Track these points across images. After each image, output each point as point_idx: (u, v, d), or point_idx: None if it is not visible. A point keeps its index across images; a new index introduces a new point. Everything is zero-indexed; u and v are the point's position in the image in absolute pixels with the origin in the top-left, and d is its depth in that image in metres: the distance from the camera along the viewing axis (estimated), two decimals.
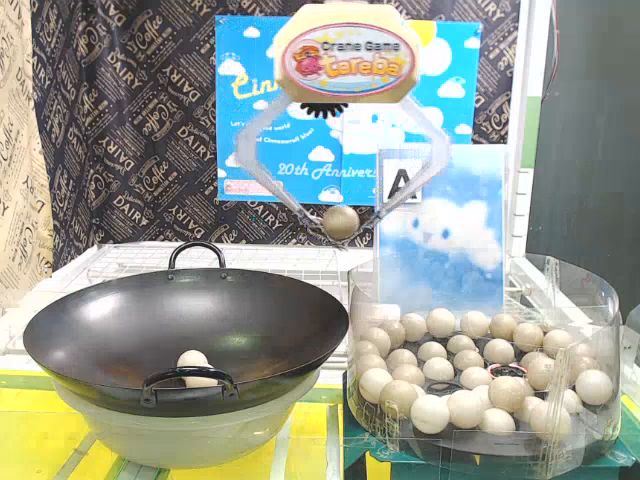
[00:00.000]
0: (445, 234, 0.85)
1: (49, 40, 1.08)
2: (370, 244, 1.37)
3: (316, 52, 0.56)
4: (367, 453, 0.54)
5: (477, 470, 0.52)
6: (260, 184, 0.64)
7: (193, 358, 0.64)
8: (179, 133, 1.30)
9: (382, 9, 0.56)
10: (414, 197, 0.85)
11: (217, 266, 0.76)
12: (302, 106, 0.61)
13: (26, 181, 0.99)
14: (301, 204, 1.45)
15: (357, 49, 0.56)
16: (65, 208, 1.16)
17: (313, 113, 0.62)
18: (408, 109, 0.61)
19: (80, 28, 1.22)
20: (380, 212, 0.67)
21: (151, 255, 1.29)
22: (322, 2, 0.57)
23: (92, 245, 1.34)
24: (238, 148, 0.61)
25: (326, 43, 0.56)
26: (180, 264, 0.76)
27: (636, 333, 0.71)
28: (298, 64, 0.56)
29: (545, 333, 0.69)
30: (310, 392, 0.58)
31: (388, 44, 0.56)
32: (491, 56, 1.25)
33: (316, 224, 0.67)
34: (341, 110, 0.62)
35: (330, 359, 0.58)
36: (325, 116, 0.62)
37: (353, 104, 0.60)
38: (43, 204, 1.07)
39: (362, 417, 0.59)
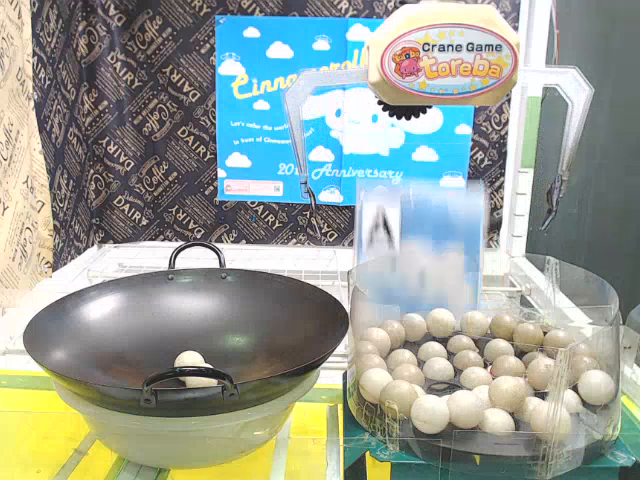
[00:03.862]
0: (421, 279, 0.81)
1: (49, 40, 1.08)
2: None
3: (416, 53, 0.55)
4: (367, 453, 0.54)
5: (477, 470, 0.52)
6: (290, 131, 0.62)
7: (190, 358, 0.64)
8: (179, 133, 1.30)
9: (483, 9, 0.55)
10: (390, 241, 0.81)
11: (217, 266, 0.76)
12: (384, 108, 0.60)
13: (26, 181, 0.99)
14: (301, 204, 1.45)
15: (458, 50, 0.55)
16: (65, 208, 1.16)
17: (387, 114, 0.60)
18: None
19: (80, 28, 1.22)
20: (553, 208, 0.65)
21: (151, 255, 1.29)
22: (410, 3, 0.56)
23: (92, 245, 1.34)
24: (294, 85, 0.59)
25: (427, 44, 0.55)
26: (180, 264, 0.76)
27: (636, 333, 0.71)
28: (397, 66, 0.55)
29: (545, 333, 0.69)
30: (310, 392, 0.58)
31: (490, 45, 0.55)
32: None
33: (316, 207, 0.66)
34: (425, 112, 0.60)
35: (330, 359, 0.58)
36: (408, 118, 0.61)
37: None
38: (43, 204, 1.07)
39: (362, 417, 0.59)
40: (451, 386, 0.62)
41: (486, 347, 0.67)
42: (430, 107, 0.60)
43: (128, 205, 1.34)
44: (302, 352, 0.61)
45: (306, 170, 0.65)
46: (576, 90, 0.60)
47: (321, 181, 1.32)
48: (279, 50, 1.25)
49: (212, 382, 0.50)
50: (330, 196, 1.33)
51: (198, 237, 1.37)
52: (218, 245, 0.79)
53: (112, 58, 1.25)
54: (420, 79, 0.56)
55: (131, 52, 1.26)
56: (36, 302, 0.91)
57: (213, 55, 1.26)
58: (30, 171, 1.01)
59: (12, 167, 0.95)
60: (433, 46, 0.55)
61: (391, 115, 0.61)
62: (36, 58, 1.03)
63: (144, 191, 1.34)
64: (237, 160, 1.32)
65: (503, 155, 1.32)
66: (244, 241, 1.37)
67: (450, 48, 0.55)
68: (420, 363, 0.65)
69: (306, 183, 0.65)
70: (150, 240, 1.38)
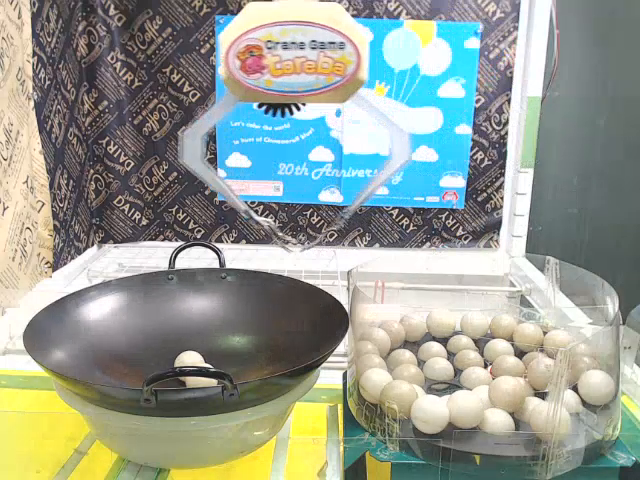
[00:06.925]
0: None
1: (49, 40, 1.08)
2: (370, 244, 1.37)
3: (260, 51, 0.55)
4: (367, 453, 0.54)
5: (477, 470, 0.52)
6: (206, 183, 0.64)
7: (190, 358, 0.64)
8: (179, 133, 1.30)
9: (328, 7, 0.55)
10: None
11: (217, 266, 0.76)
12: (259, 105, 0.61)
13: (26, 181, 0.99)
14: (301, 204, 1.44)
15: (301, 48, 0.55)
16: (65, 208, 1.16)
17: (267, 111, 0.61)
18: (363, 106, 0.59)
19: (80, 28, 1.22)
20: (345, 213, 0.67)
21: (151, 255, 1.29)
22: None
23: (92, 245, 1.34)
24: (183, 147, 0.61)
25: (270, 42, 0.55)
26: (180, 264, 0.76)
27: (636, 333, 0.71)
28: (242, 63, 0.55)
29: (545, 333, 0.69)
30: (310, 392, 0.58)
31: (333, 43, 0.55)
32: (491, 56, 1.25)
33: (262, 225, 0.66)
34: (298, 108, 0.60)
35: (330, 359, 0.58)
36: (283, 114, 0.61)
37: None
38: (43, 204, 1.07)
39: (362, 417, 0.59)
40: (451, 386, 0.62)
41: (486, 347, 0.67)
42: (304, 104, 0.60)
43: (128, 205, 1.34)
44: (302, 352, 0.61)
45: (243, 204, 0.66)
46: (402, 151, 0.61)
47: (321, 181, 1.32)
48: None
49: (212, 382, 0.50)
50: (330, 196, 1.33)
51: (198, 237, 1.37)
52: (218, 245, 0.79)
53: (112, 58, 1.25)
54: (265, 77, 0.56)
55: (131, 52, 1.25)
56: (36, 302, 0.91)
57: (213, 55, 1.26)
58: (30, 171, 1.01)
59: (12, 167, 0.95)
60: (277, 44, 0.55)
61: (266, 112, 0.61)
62: (36, 58, 1.03)
63: (144, 191, 1.34)
64: (237, 160, 1.32)
65: (503, 155, 1.31)
66: (244, 241, 1.37)
67: (293, 46, 0.55)
68: (420, 363, 0.65)
69: (246, 212, 0.66)
70: (150, 240, 1.38)
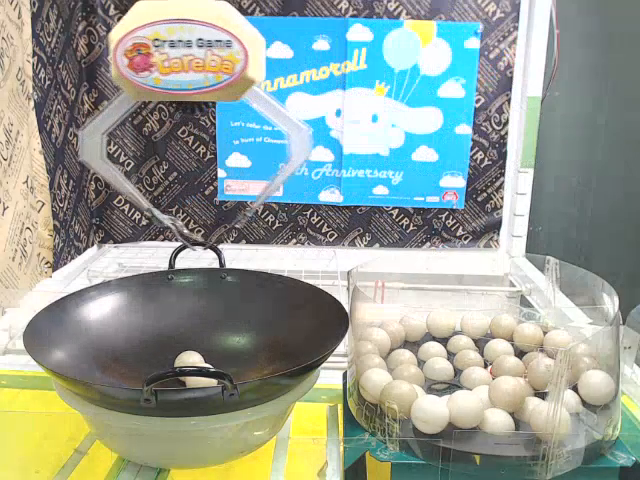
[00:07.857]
0: None
1: (49, 40, 1.08)
2: (370, 244, 1.37)
3: (147, 49, 0.55)
4: (367, 453, 0.54)
5: (477, 470, 0.52)
6: (107, 181, 0.63)
7: (190, 358, 0.64)
8: (179, 133, 1.30)
9: (216, 5, 0.55)
10: None
11: (217, 266, 0.76)
12: (170, 104, 0.61)
13: (26, 181, 0.99)
14: (301, 204, 1.44)
15: (188, 46, 0.55)
16: (65, 208, 1.16)
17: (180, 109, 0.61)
18: (261, 103, 0.60)
19: (80, 28, 1.22)
20: (247, 210, 0.67)
21: (151, 255, 1.29)
22: None
23: (92, 245, 1.34)
24: (82, 145, 0.61)
25: (157, 40, 0.55)
26: (180, 264, 0.76)
27: (636, 333, 0.71)
28: (130, 61, 0.55)
29: (545, 333, 0.69)
30: (310, 392, 0.58)
31: (220, 41, 0.55)
32: (491, 56, 1.25)
33: (166, 224, 0.66)
34: (208, 107, 0.60)
35: (330, 359, 0.58)
36: (193, 112, 0.61)
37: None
38: (43, 204, 1.07)
39: (362, 417, 0.59)
40: (451, 386, 0.62)
41: (486, 347, 0.67)
42: (214, 103, 0.61)
43: (128, 205, 1.34)
44: (302, 352, 0.61)
45: (145, 202, 0.66)
46: (302, 149, 0.63)
47: (321, 181, 1.32)
48: (279, 50, 1.25)
49: (212, 382, 0.50)
50: (330, 196, 1.33)
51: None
52: (218, 245, 0.79)
53: None
54: (153, 75, 0.56)
55: None
56: (36, 302, 0.91)
57: None
58: (30, 171, 1.01)
59: (12, 167, 0.95)
60: (164, 42, 0.55)
61: (176, 110, 0.61)
62: (36, 58, 1.03)
63: (144, 191, 1.34)
64: (237, 160, 1.32)
65: (503, 155, 1.32)
66: (244, 241, 1.37)
67: (180, 44, 0.55)
68: (420, 363, 0.65)
69: (149, 210, 0.66)
70: (150, 240, 1.38)
